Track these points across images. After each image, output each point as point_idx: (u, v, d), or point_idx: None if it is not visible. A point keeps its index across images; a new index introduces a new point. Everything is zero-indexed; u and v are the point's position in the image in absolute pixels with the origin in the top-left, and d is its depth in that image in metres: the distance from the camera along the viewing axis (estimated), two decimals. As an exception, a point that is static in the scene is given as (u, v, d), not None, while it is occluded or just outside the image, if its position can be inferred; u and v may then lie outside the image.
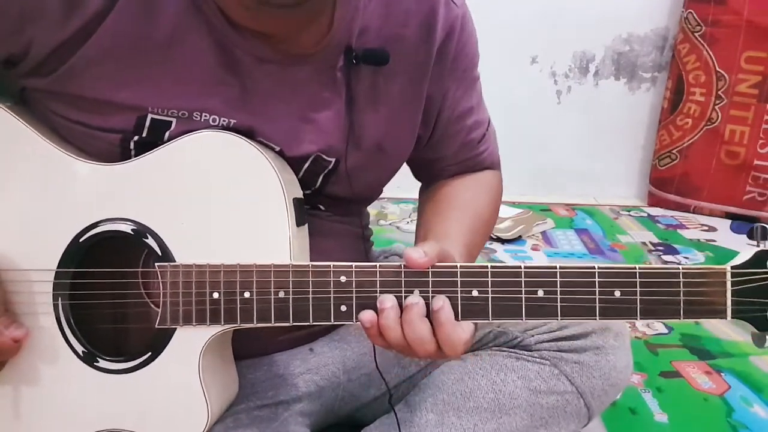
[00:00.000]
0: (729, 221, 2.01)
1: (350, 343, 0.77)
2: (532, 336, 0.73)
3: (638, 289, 0.53)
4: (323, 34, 0.62)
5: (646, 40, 2.10)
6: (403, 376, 0.77)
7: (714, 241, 1.87)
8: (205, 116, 0.60)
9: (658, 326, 1.33)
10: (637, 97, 2.16)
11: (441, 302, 0.54)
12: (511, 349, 0.74)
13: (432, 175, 0.80)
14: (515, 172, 2.22)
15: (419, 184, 0.85)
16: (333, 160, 0.66)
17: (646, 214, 2.09)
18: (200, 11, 0.58)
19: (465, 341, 0.54)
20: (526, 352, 0.73)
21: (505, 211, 1.99)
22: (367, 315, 0.54)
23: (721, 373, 1.16)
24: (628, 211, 2.12)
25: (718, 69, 1.95)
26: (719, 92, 1.96)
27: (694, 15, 1.94)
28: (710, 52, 1.94)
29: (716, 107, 1.97)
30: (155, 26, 0.57)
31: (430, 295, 0.54)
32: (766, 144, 1.93)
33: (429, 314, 0.54)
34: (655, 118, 2.15)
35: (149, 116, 0.59)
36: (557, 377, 0.71)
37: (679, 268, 0.53)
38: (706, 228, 1.97)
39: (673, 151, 2.07)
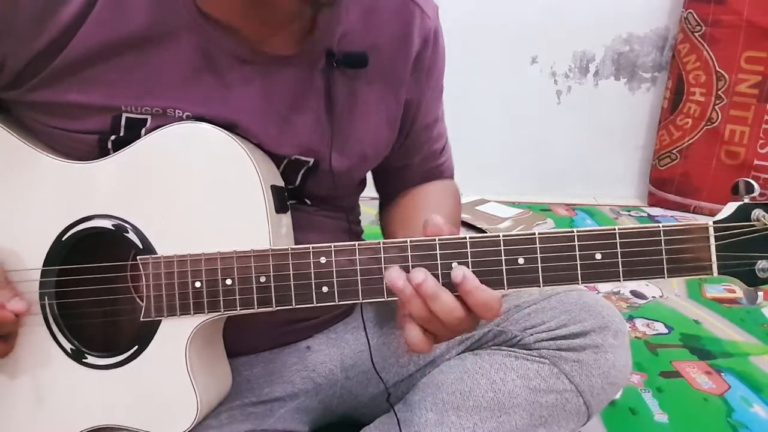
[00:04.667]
0: (729, 221, 2.01)
1: (348, 341, 0.77)
2: (531, 335, 0.73)
3: (619, 250, 0.53)
4: (301, 37, 0.63)
5: (646, 40, 2.10)
6: (402, 375, 0.77)
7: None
8: (179, 113, 0.60)
9: (658, 326, 1.33)
10: (637, 97, 2.16)
11: (461, 272, 0.53)
12: (510, 348, 0.74)
13: (397, 183, 0.81)
14: (515, 171, 2.23)
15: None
16: (311, 160, 0.66)
17: (646, 214, 2.09)
18: (175, 11, 0.57)
19: (497, 298, 0.53)
20: (525, 351, 0.73)
21: (505, 211, 1.99)
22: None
23: (721, 373, 1.16)
24: (628, 211, 2.11)
25: (718, 69, 1.95)
26: (719, 92, 1.96)
27: (694, 15, 1.94)
28: (710, 52, 1.94)
29: (716, 107, 1.97)
30: (130, 29, 0.57)
31: (411, 270, 0.54)
32: (766, 144, 1.93)
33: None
34: (655, 118, 2.15)
35: (124, 115, 0.59)
36: (556, 376, 0.71)
37: (659, 227, 0.53)
38: (706, 228, 1.97)
39: (673, 151, 2.07)
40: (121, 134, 0.59)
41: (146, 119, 0.59)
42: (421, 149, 0.78)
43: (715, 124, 1.98)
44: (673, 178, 2.09)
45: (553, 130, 2.18)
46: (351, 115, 0.67)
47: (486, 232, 1.80)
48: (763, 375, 1.16)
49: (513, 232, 0.54)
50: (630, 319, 1.35)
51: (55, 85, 0.57)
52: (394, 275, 0.53)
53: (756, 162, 1.95)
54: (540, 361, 0.71)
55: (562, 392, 0.70)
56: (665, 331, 1.32)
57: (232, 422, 0.67)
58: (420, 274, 0.53)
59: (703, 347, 1.26)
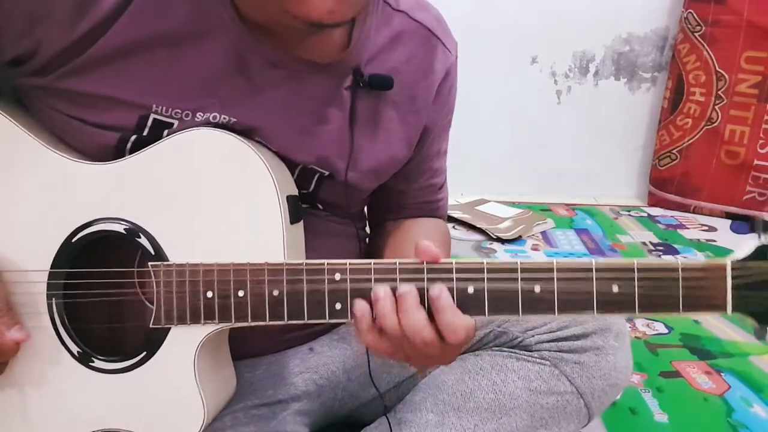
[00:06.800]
0: (729, 221, 2.01)
1: (350, 342, 0.77)
2: (533, 336, 0.73)
3: (636, 283, 0.53)
4: (335, 48, 0.64)
5: (646, 40, 2.10)
6: (404, 375, 0.77)
7: (714, 241, 1.87)
8: (206, 115, 0.60)
9: (658, 326, 1.33)
10: (637, 97, 2.16)
11: (438, 290, 0.53)
12: (511, 350, 0.74)
13: (390, 207, 0.81)
14: (515, 172, 2.23)
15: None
16: (327, 171, 0.67)
17: (646, 214, 2.09)
18: (214, 11, 0.58)
19: (467, 327, 0.53)
20: (526, 353, 0.73)
21: (505, 211, 1.99)
22: (360, 304, 0.53)
23: (721, 373, 1.16)
24: (628, 211, 2.12)
25: (718, 69, 1.95)
26: (719, 92, 1.96)
27: (694, 15, 1.94)
28: (710, 52, 1.94)
29: (716, 107, 1.97)
30: (167, 26, 0.57)
31: (426, 288, 0.53)
32: (766, 144, 1.93)
33: (427, 305, 0.53)
34: (655, 118, 2.15)
35: (152, 116, 0.59)
36: (557, 377, 0.71)
37: (678, 263, 0.53)
38: (706, 228, 1.97)
39: (673, 151, 2.07)
40: (144, 134, 0.59)
41: (173, 123, 0.59)
42: (422, 177, 0.79)
43: (715, 124, 1.98)
44: (673, 178, 2.09)
45: (553, 130, 2.18)
46: (371, 134, 0.68)
47: (486, 232, 1.80)
48: (763, 375, 1.16)
49: (531, 260, 0.53)
50: (630, 319, 1.35)
51: (85, 75, 0.57)
52: (378, 287, 0.53)
53: (756, 162, 1.95)
54: (541, 363, 0.72)
55: (563, 394, 0.71)
56: (665, 331, 1.32)
57: (236, 425, 0.67)
58: (406, 287, 0.53)
59: (703, 347, 1.26)
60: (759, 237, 0.53)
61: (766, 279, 0.52)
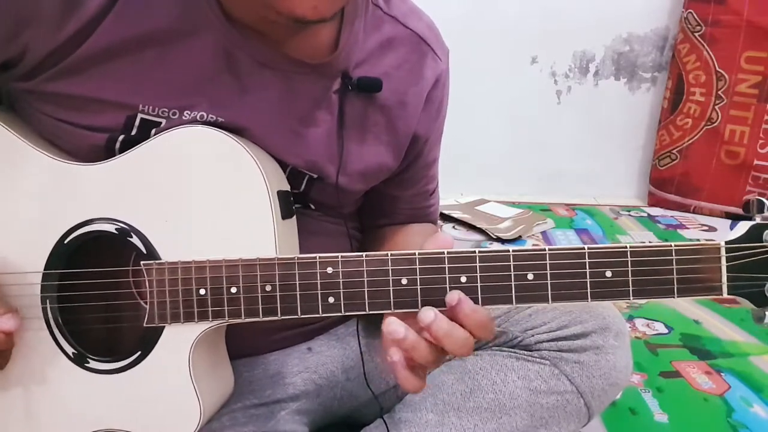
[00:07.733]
0: (729, 221, 2.01)
1: (349, 342, 0.77)
2: (532, 336, 0.73)
3: (630, 268, 0.52)
4: (323, 49, 0.63)
5: (646, 40, 2.10)
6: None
7: (714, 241, 1.87)
8: (194, 113, 0.59)
9: (658, 326, 1.33)
10: (637, 97, 2.16)
11: (456, 296, 0.52)
12: (511, 349, 0.74)
13: (384, 212, 0.81)
14: (515, 172, 2.24)
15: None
16: (316, 175, 0.67)
17: (646, 214, 2.09)
18: (200, 9, 0.58)
19: (491, 317, 0.53)
20: (526, 352, 0.73)
21: (505, 211, 1.99)
22: (397, 356, 0.52)
23: (721, 373, 1.16)
24: (628, 211, 2.12)
25: (718, 69, 1.95)
26: (719, 92, 1.96)
27: (694, 15, 1.94)
28: (710, 52, 1.94)
29: (716, 107, 1.97)
30: (153, 25, 0.57)
31: (418, 282, 0.53)
32: (766, 144, 1.93)
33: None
34: (655, 118, 2.15)
35: (139, 116, 0.58)
36: (557, 377, 0.71)
37: (671, 245, 0.52)
38: (706, 228, 1.97)
39: (673, 151, 2.07)
40: (133, 133, 0.59)
41: (161, 122, 0.59)
42: (417, 184, 0.79)
43: (715, 124, 1.98)
44: (673, 178, 2.09)
45: (553, 130, 2.18)
46: (360, 138, 0.68)
47: (486, 232, 1.79)
48: (763, 375, 1.16)
49: (523, 248, 0.53)
50: (630, 319, 1.35)
51: (72, 77, 0.57)
52: (393, 327, 0.52)
53: (756, 162, 1.95)
54: (541, 362, 0.71)
55: (563, 393, 0.70)
56: (665, 331, 1.32)
57: (234, 424, 0.66)
58: (429, 314, 0.51)
59: (703, 347, 1.26)
60: (752, 217, 0.52)
61: (760, 259, 0.51)
